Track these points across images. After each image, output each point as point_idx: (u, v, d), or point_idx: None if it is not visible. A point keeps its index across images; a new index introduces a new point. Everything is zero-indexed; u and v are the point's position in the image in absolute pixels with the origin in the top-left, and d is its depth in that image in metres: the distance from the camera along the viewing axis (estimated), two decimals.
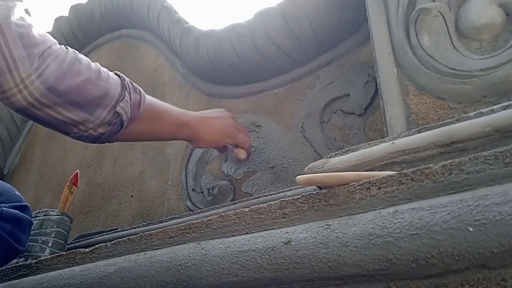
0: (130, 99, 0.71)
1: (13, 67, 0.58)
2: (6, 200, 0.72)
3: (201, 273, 0.47)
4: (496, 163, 0.35)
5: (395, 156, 0.46)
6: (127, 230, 1.01)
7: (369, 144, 0.50)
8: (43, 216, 0.97)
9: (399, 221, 0.36)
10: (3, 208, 0.70)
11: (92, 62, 0.70)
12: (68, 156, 1.46)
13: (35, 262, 0.74)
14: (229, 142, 0.88)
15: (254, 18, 0.98)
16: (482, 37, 0.54)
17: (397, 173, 0.40)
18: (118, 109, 0.68)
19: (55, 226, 0.97)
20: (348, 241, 0.38)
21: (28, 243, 0.93)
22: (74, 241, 1.09)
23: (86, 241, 1.05)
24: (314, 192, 0.45)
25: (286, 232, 0.43)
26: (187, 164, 1.11)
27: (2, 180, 0.83)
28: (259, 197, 0.83)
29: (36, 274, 0.71)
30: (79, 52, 0.69)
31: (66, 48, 0.67)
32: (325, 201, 0.44)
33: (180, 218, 0.91)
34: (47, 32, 0.66)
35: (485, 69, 0.51)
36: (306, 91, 0.98)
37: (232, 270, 0.45)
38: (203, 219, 0.54)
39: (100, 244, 0.65)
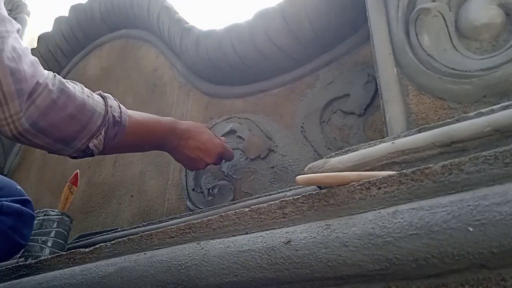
0: (105, 136, 0.74)
1: (3, 102, 0.61)
2: (6, 194, 0.73)
3: (201, 273, 0.47)
4: (496, 163, 0.35)
5: (395, 156, 0.46)
6: (127, 230, 1.01)
7: (369, 144, 0.50)
8: (43, 216, 0.97)
9: (399, 221, 0.36)
10: (3, 202, 0.70)
11: (81, 88, 0.74)
12: None
13: (35, 262, 0.74)
14: (209, 163, 0.91)
15: (254, 18, 0.98)
16: (482, 37, 0.54)
17: (397, 173, 0.40)
18: (90, 144, 0.72)
19: (55, 226, 0.97)
20: (348, 241, 0.38)
21: (28, 243, 0.93)
22: (74, 241, 1.09)
23: (86, 241, 1.05)
24: (314, 192, 0.45)
25: (286, 232, 0.43)
26: None
27: None
28: (259, 197, 0.83)
29: (36, 274, 0.71)
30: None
31: (54, 76, 0.69)
32: (325, 201, 0.44)
33: (180, 218, 0.91)
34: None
35: (485, 69, 0.51)
36: (306, 91, 0.98)
37: (232, 270, 0.45)
38: (203, 219, 0.54)
39: (100, 244, 0.65)
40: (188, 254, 0.50)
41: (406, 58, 0.58)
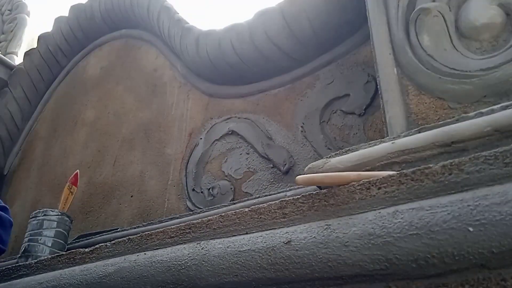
0: None
1: None
2: None
3: (201, 273, 0.47)
4: (496, 163, 0.35)
5: (395, 156, 0.46)
6: (127, 230, 1.01)
7: (369, 144, 0.50)
8: (43, 216, 0.97)
9: (399, 221, 0.36)
10: None
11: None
12: (68, 156, 1.46)
13: (35, 262, 0.74)
14: None
15: (254, 18, 0.98)
16: (482, 37, 0.54)
17: (397, 173, 0.40)
18: None
19: (55, 226, 0.97)
20: (348, 241, 0.38)
21: (28, 243, 0.94)
22: (74, 241, 1.09)
23: (86, 241, 1.05)
24: (314, 192, 0.45)
25: (286, 232, 0.43)
26: (187, 164, 1.11)
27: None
28: (259, 197, 0.83)
29: (36, 274, 0.71)
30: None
31: None
32: (325, 201, 0.44)
33: (180, 218, 0.91)
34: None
35: (485, 69, 0.51)
36: (306, 91, 0.98)
37: (232, 270, 0.45)
38: (203, 219, 0.54)
39: (100, 244, 0.65)
40: (188, 254, 0.50)
41: (406, 58, 0.58)
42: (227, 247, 0.47)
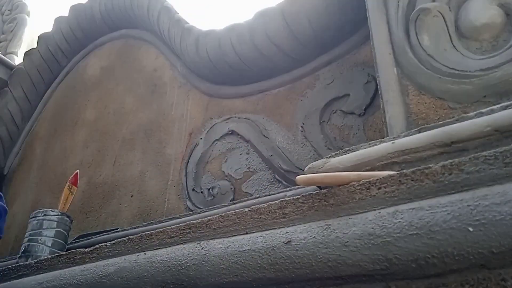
0: None
1: None
2: None
3: (201, 273, 0.47)
4: (496, 163, 0.35)
5: (395, 156, 0.46)
6: (127, 230, 1.01)
7: (369, 144, 0.50)
8: (43, 216, 0.97)
9: (399, 221, 0.36)
10: None
11: None
12: (68, 156, 1.46)
13: (35, 262, 0.74)
14: None
15: (254, 18, 0.98)
16: (482, 37, 0.54)
17: (397, 173, 0.40)
18: None
19: (55, 226, 0.97)
20: (348, 241, 0.38)
21: (28, 243, 0.93)
22: (74, 241, 1.09)
23: (86, 241, 1.05)
24: (314, 192, 0.45)
25: (286, 232, 0.43)
26: (187, 164, 1.11)
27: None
28: (259, 197, 0.83)
29: (36, 274, 0.71)
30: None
31: None
32: (325, 201, 0.44)
33: (180, 218, 0.91)
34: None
35: (485, 69, 0.51)
36: (306, 91, 0.98)
37: (232, 270, 0.45)
38: (203, 219, 0.54)
39: (100, 244, 0.65)
40: (188, 254, 0.50)
41: (406, 58, 0.58)
42: (227, 247, 0.47)
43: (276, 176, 0.93)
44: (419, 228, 0.35)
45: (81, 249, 0.67)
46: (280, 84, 1.03)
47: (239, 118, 1.06)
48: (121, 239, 0.62)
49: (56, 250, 0.95)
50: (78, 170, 1.10)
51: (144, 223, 1.01)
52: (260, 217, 0.48)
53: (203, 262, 0.47)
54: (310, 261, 0.40)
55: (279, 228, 0.45)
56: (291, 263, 0.41)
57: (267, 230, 0.46)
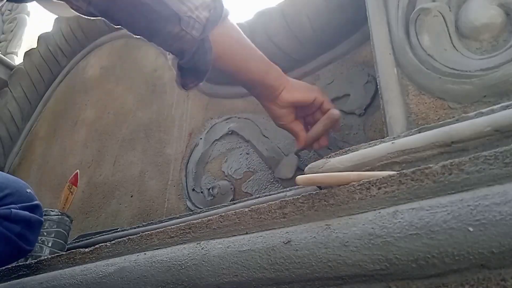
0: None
1: None
2: (17, 201, 0.72)
3: (201, 273, 0.47)
4: (496, 163, 0.35)
5: (395, 156, 0.46)
6: (127, 230, 1.01)
7: (369, 144, 0.50)
8: (43, 216, 0.97)
9: (399, 221, 0.36)
10: (12, 210, 0.70)
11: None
12: (68, 156, 1.46)
13: (35, 262, 0.74)
14: (317, 97, 0.72)
15: (254, 18, 0.98)
16: (482, 37, 0.54)
17: (397, 173, 0.40)
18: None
19: (55, 226, 0.97)
20: (348, 241, 0.38)
21: (33, 248, 0.94)
22: (74, 241, 1.09)
23: (86, 241, 1.05)
24: (314, 192, 0.45)
25: (286, 232, 0.43)
26: (187, 164, 1.11)
27: None
28: (259, 197, 0.83)
29: (36, 274, 0.71)
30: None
31: None
32: (325, 201, 0.44)
33: (180, 218, 0.91)
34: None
35: (485, 69, 0.51)
36: None
37: (232, 270, 0.45)
38: (203, 219, 0.54)
39: (100, 244, 0.65)
40: (188, 254, 0.50)
41: (406, 58, 0.58)
42: (227, 247, 0.47)
43: (276, 176, 0.93)
44: (419, 228, 0.35)
45: (81, 249, 0.67)
46: None
47: (239, 118, 1.06)
48: (121, 239, 0.62)
49: (56, 250, 0.95)
50: (78, 170, 1.10)
51: (144, 223, 1.01)
52: (260, 217, 0.48)
53: (203, 262, 0.47)
54: (310, 261, 0.40)
55: (279, 228, 0.45)
56: (291, 263, 0.41)
57: (267, 230, 0.46)
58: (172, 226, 0.57)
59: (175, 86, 1.28)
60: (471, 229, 0.33)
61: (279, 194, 0.77)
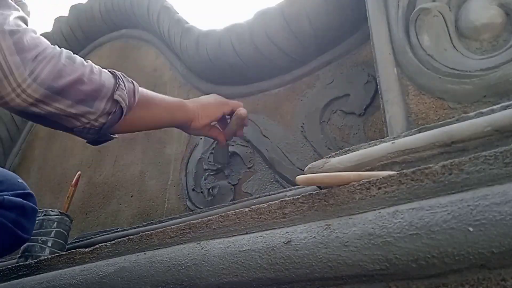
0: (125, 87, 0.74)
1: (8, 73, 0.60)
2: (8, 189, 0.72)
3: (201, 273, 0.47)
4: (496, 163, 0.35)
5: (395, 156, 0.46)
6: (127, 230, 1.01)
7: (369, 144, 0.50)
8: (43, 216, 0.97)
9: (399, 221, 0.36)
10: (4, 196, 0.69)
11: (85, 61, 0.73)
12: (68, 156, 1.46)
13: (35, 262, 0.74)
14: (225, 111, 0.90)
15: (254, 18, 0.98)
16: (482, 37, 0.54)
17: (397, 173, 0.40)
18: (116, 97, 0.71)
19: (55, 226, 0.97)
20: (348, 241, 0.38)
21: (28, 243, 0.93)
22: (74, 241, 1.09)
23: (86, 241, 1.05)
24: (314, 192, 0.45)
25: (286, 232, 0.43)
26: (187, 164, 1.11)
27: None
28: (259, 197, 0.83)
29: (36, 274, 0.71)
30: (79, 52, 0.70)
31: (60, 48, 0.70)
32: (325, 201, 0.44)
33: (180, 218, 0.91)
34: (47, 33, 0.68)
35: (485, 69, 0.51)
36: (306, 91, 0.98)
37: (232, 270, 0.45)
38: (203, 219, 0.54)
39: (100, 244, 0.65)
40: (188, 254, 0.50)
41: (406, 58, 0.58)
42: (227, 247, 0.47)
43: (276, 176, 0.93)
44: (419, 228, 0.35)
45: (81, 249, 0.67)
46: (280, 84, 1.03)
47: None
48: (121, 239, 0.62)
49: (56, 250, 0.95)
50: (79, 172, 1.10)
51: (144, 223, 1.01)
52: (260, 217, 0.48)
53: (203, 262, 0.47)
54: (310, 261, 0.40)
55: (279, 228, 0.46)
56: (291, 263, 0.41)
57: (267, 230, 0.46)
58: (172, 226, 0.57)
59: (175, 86, 1.28)
60: (471, 229, 0.33)
61: (279, 194, 0.77)
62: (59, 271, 0.66)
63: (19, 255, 0.94)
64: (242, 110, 0.89)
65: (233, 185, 0.99)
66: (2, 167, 1.62)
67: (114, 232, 1.03)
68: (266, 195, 0.82)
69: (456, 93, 0.53)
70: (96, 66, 0.74)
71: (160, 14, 1.28)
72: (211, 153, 1.06)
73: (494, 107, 0.43)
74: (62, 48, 0.70)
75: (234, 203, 0.85)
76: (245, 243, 0.46)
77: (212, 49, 1.06)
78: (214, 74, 1.12)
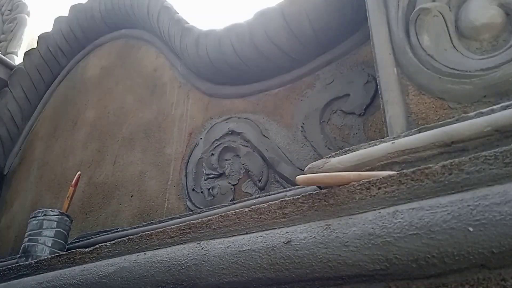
0: None
1: None
2: None
3: (201, 273, 0.47)
4: (496, 163, 0.35)
5: (395, 156, 0.46)
6: (127, 230, 1.01)
7: (369, 144, 0.50)
8: (43, 216, 0.97)
9: (399, 221, 0.36)
10: None
11: None
12: (68, 156, 1.46)
13: (35, 262, 0.74)
14: None
15: (254, 18, 0.98)
16: (482, 37, 0.54)
17: (397, 173, 0.40)
18: None
19: (55, 226, 0.97)
20: (348, 241, 0.38)
21: (28, 243, 0.93)
22: (74, 241, 1.09)
23: (86, 241, 1.05)
24: (314, 192, 0.45)
25: (286, 232, 0.43)
26: (187, 164, 1.11)
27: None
28: (259, 197, 0.83)
29: (36, 274, 0.71)
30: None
31: None
32: (325, 201, 0.44)
33: (180, 218, 0.91)
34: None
35: (485, 69, 0.51)
36: (306, 91, 0.98)
37: (232, 270, 0.45)
38: (203, 219, 0.54)
39: (100, 244, 0.65)
40: (188, 254, 0.50)
41: (406, 58, 0.58)
42: (227, 247, 0.47)
43: (276, 176, 0.93)
44: (419, 228, 0.35)
45: (81, 249, 0.67)
46: (280, 84, 1.03)
47: (239, 118, 1.06)
48: (121, 239, 0.62)
49: (56, 250, 0.95)
50: (79, 172, 1.10)
51: (144, 223, 1.01)
52: (260, 217, 0.48)
53: (203, 262, 0.47)
54: (310, 261, 0.40)
55: (279, 228, 0.45)
56: (291, 263, 0.41)
57: (267, 230, 0.46)
58: (172, 226, 0.57)
59: (175, 86, 1.28)
60: (471, 229, 0.33)
61: (279, 194, 0.77)
62: (59, 271, 0.66)
63: (19, 255, 0.94)
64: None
65: (233, 185, 0.99)
66: (2, 167, 1.62)
67: (114, 232, 1.03)
68: (266, 195, 0.82)
69: (456, 93, 0.53)
70: None
71: (160, 14, 1.28)
72: (211, 153, 1.06)
73: (494, 107, 0.43)
74: None
75: (234, 203, 0.85)
76: (245, 243, 0.46)
77: (212, 49, 1.06)
78: (214, 74, 1.12)
